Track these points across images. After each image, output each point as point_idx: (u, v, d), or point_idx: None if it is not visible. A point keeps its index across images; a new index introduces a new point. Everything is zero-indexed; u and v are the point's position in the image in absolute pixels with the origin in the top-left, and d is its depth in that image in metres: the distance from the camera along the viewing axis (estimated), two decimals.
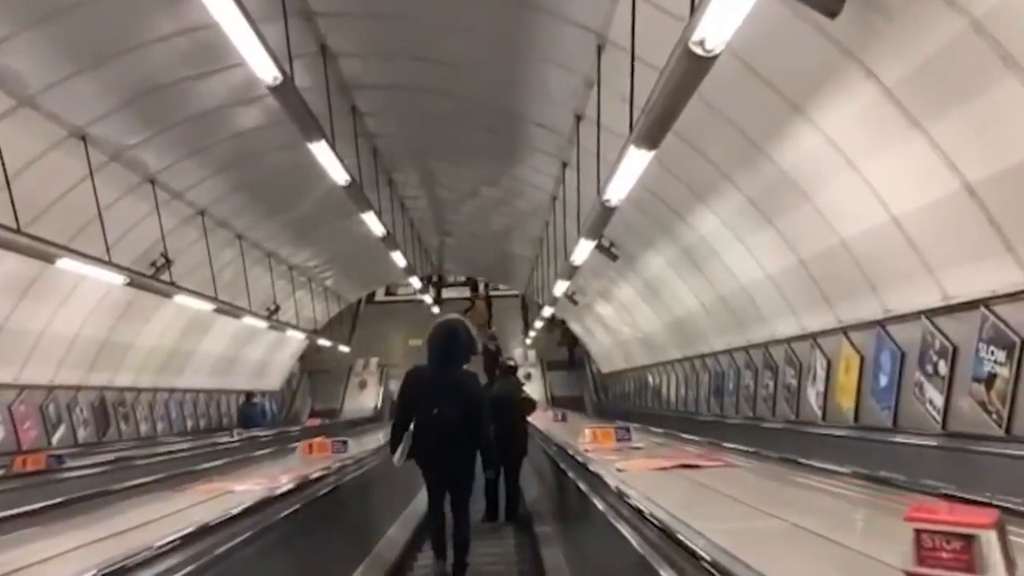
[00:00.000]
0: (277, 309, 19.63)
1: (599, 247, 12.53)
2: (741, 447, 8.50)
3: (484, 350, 27.90)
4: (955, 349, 6.83)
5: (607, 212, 7.78)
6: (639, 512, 3.61)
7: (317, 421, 22.43)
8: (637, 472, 5.53)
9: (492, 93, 10.97)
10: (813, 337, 9.83)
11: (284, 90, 7.23)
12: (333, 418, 26.69)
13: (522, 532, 9.80)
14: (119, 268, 10.75)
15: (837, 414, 9.28)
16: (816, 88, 6.56)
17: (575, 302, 20.56)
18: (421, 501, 10.99)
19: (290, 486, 5.21)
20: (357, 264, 22.71)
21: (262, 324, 17.64)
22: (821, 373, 9.64)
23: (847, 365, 8.95)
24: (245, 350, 21.70)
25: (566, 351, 29.47)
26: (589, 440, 8.73)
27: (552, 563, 7.72)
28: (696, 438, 10.46)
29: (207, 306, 13.75)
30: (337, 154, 9.55)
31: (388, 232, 13.44)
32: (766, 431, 11.11)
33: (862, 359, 8.64)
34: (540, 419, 15.55)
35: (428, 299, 24.54)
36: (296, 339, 23.93)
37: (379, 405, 27.85)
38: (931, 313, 7.08)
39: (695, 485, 4.61)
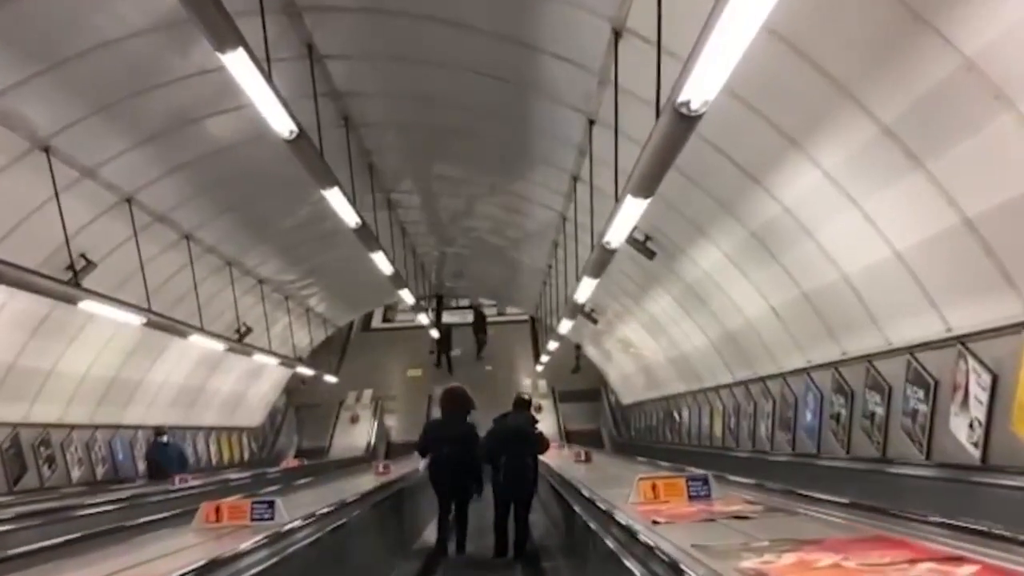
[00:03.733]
0: (248, 331, 16.71)
1: (631, 241, 9.61)
2: (834, 498, 5.87)
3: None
4: None
5: (683, 127, 4.70)
6: None
7: (296, 462, 19.38)
8: None
9: (498, 20, 8.02)
10: (961, 341, 6.78)
11: None
12: (320, 457, 23.71)
13: None
14: None
15: (1011, 453, 6.24)
16: None
17: (594, 320, 17.65)
18: None
19: None
20: (344, 281, 19.69)
21: (218, 346, 14.60)
22: (980, 393, 6.58)
23: None
24: (213, 380, 18.75)
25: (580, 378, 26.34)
26: (642, 496, 5.86)
27: None
28: (748, 480, 7.82)
29: (134, 319, 10.75)
30: (275, 89, 6.60)
31: (363, 223, 10.46)
32: (877, 476, 8.05)
33: None
34: (554, 456, 12.55)
35: (425, 319, 21.59)
36: (278, 369, 21.03)
37: (372, 443, 24.74)
38: None
39: None
